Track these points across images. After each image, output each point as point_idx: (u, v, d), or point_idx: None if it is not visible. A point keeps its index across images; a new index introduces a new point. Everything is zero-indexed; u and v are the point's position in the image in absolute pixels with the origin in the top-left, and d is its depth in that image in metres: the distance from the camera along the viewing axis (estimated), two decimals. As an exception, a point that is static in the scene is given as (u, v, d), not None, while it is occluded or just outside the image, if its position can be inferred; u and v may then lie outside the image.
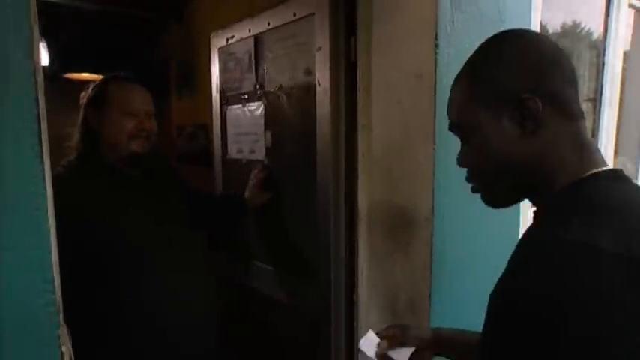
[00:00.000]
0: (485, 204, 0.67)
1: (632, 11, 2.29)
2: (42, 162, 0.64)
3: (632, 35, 2.35)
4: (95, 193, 1.19)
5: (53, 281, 0.67)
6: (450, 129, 0.68)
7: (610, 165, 0.59)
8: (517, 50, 0.60)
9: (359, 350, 0.79)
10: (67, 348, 0.74)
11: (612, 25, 2.13)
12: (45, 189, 0.66)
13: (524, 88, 0.58)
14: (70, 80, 2.95)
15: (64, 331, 0.71)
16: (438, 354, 0.85)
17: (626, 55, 2.29)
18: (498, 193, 0.65)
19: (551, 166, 0.59)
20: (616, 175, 0.58)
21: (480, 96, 0.61)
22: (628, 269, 0.45)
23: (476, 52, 0.65)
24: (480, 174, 0.65)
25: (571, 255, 0.47)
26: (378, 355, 0.73)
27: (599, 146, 2.22)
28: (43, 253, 0.66)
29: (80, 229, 1.09)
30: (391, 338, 0.81)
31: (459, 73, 0.66)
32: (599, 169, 0.57)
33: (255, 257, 1.75)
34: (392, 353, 0.74)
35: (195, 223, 1.45)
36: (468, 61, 0.65)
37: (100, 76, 2.89)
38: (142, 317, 1.18)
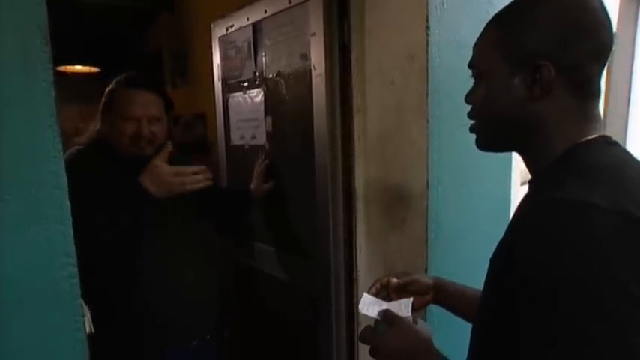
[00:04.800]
0: (476, 146, 0.69)
1: (618, -7, 2.34)
2: (60, 141, 0.68)
3: (619, 17, 2.40)
4: (102, 171, 1.23)
5: (73, 254, 0.72)
6: (469, 65, 0.68)
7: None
8: (557, 11, 0.57)
9: (362, 322, 0.81)
10: (87, 319, 0.79)
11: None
12: (63, 168, 0.70)
13: (545, 53, 0.57)
14: (65, 73, 2.96)
15: (82, 304, 0.76)
16: (436, 302, 0.88)
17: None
18: (490, 139, 0.67)
19: (548, 133, 0.60)
20: (607, 140, 0.59)
21: (502, 46, 0.61)
22: (622, 224, 0.46)
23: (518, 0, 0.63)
24: (479, 116, 0.66)
25: (566, 213, 0.48)
26: (379, 313, 0.74)
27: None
28: (64, 227, 0.70)
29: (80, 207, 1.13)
30: (397, 278, 0.85)
31: (499, 12, 0.65)
32: (591, 137, 0.58)
33: (258, 239, 1.79)
34: (393, 307, 0.76)
35: (205, 214, 1.50)
36: (509, 4, 0.63)
37: (94, 69, 2.89)
38: (134, 298, 1.23)
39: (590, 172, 0.53)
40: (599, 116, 0.61)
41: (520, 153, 0.66)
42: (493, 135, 0.66)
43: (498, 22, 0.63)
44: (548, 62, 0.56)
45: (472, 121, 0.68)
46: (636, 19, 2.51)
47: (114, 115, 1.27)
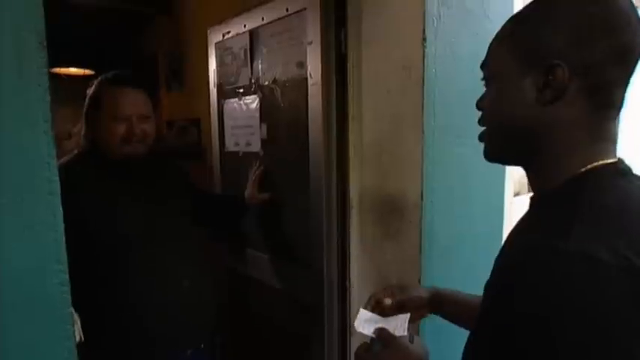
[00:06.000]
0: (484, 156, 0.64)
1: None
2: (54, 147, 0.68)
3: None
4: (91, 184, 1.21)
5: (65, 262, 0.71)
6: (481, 65, 0.64)
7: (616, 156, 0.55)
8: (571, 6, 0.53)
9: (355, 332, 0.80)
10: (77, 327, 0.78)
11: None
12: (56, 174, 0.69)
13: (559, 52, 0.52)
14: (58, 75, 2.94)
15: (72, 312, 0.75)
16: (434, 313, 0.86)
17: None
18: (496, 147, 0.63)
19: (556, 147, 0.55)
20: (618, 169, 0.54)
21: (516, 43, 0.57)
22: (630, 282, 0.43)
23: None
24: (488, 122, 0.62)
25: (570, 267, 0.45)
26: (375, 332, 0.73)
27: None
28: (56, 234, 0.69)
29: (72, 217, 1.12)
30: (392, 297, 0.82)
31: (518, 12, 0.60)
32: (603, 162, 0.53)
33: (251, 246, 1.79)
34: (389, 324, 0.75)
35: (199, 220, 1.49)
36: (527, 4, 0.59)
37: (88, 71, 2.86)
38: (128, 306, 1.21)
39: (597, 216, 0.49)
40: (615, 134, 0.55)
41: (525, 168, 0.62)
42: (500, 143, 0.62)
43: (515, 19, 0.59)
44: (563, 62, 0.51)
45: (482, 129, 0.64)
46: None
47: (102, 116, 1.23)
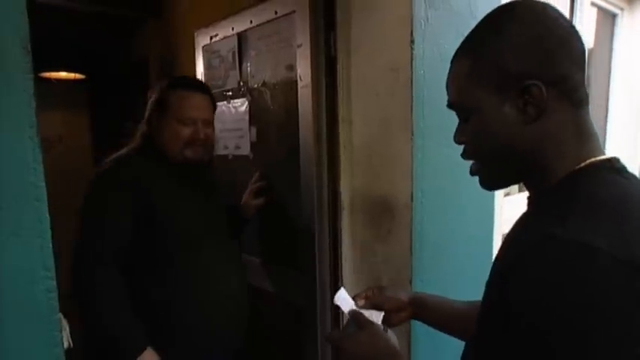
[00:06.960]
0: (480, 185, 0.65)
1: (595, 10, 2.42)
2: (40, 152, 0.67)
3: (596, 33, 2.48)
4: (154, 179, 1.23)
5: (52, 268, 0.70)
6: (448, 106, 0.64)
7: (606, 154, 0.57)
8: (525, 28, 0.55)
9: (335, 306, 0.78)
10: (65, 334, 0.77)
11: (577, 24, 2.24)
12: (43, 180, 0.69)
13: (529, 72, 0.54)
14: (48, 79, 2.91)
15: (61, 318, 0.74)
16: (416, 318, 0.85)
17: (589, 53, 2.40)
18: (493, 176, 0.63)
19: (551, 154, 0.57)
20: (613, 166, 0.56)
21: (481, 77, 0.58)
22: (626, 272, 0.44)
23: (481, 25, 0.60)
24: (476, 154, 0.62)
25: (565, 253, 0.45)
26: (350, 312, 0.74)
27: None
28: (43, 241, 0.68)
29: (141, 204, 1.17)
30: (367, 299, 0.81)
31: (461, 45, 0.61)
32: (597, 159, 0.55)
33: (243, 250, 1.78)
34: (364, 312, 0.75)
35: None
36: (471, 32, 0.61)
37: (79, 75, 2.85)
38: (190, 304, 1.23)
39: (594, 208, 0.50)
40: (595, 130, 0.59)
41: (524, 180, 0.63)
42: (499, 172, 0.62)
43: (467, 53, 0.60)
44: (536, 80, 0.54)
45: (471, 163, 0.64)
46: (612, 34, 2.59)
47: (168, 118, 1.25)
